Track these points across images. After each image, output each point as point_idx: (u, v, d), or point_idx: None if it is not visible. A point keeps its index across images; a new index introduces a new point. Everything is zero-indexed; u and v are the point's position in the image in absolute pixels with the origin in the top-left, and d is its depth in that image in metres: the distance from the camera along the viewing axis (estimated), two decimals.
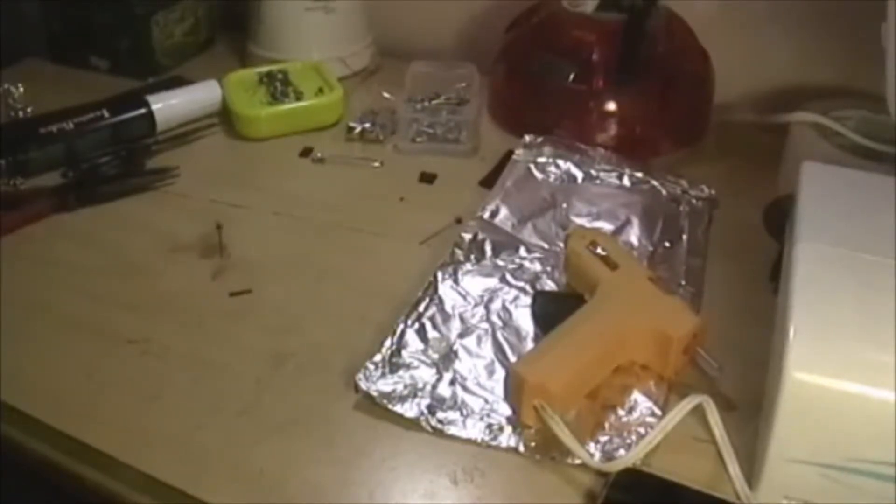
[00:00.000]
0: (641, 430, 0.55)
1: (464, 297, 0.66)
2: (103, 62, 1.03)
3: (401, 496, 0.52)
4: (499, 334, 0.63)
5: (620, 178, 0.80)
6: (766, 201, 0.71)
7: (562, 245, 0.70)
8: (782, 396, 0.47)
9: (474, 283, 0.68)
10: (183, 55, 1.06)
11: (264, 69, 0.95)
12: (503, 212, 0.75)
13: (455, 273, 0.68)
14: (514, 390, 0.56)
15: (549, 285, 0.68)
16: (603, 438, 0.55)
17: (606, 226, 0.74)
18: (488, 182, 0.81)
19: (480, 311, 0.65)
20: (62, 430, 0.56)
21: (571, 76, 0.84)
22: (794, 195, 0.60)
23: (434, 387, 0.58)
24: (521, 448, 0.55)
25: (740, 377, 0.58)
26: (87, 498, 0.55)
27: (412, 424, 0.56)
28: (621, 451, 0.54)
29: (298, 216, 0.77)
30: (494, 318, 0.64)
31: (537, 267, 0.69)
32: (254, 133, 0.89)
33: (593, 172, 0.80)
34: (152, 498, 0.53)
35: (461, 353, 0.61)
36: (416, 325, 0.63)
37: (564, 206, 0.77)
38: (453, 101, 0.90)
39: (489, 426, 0.56)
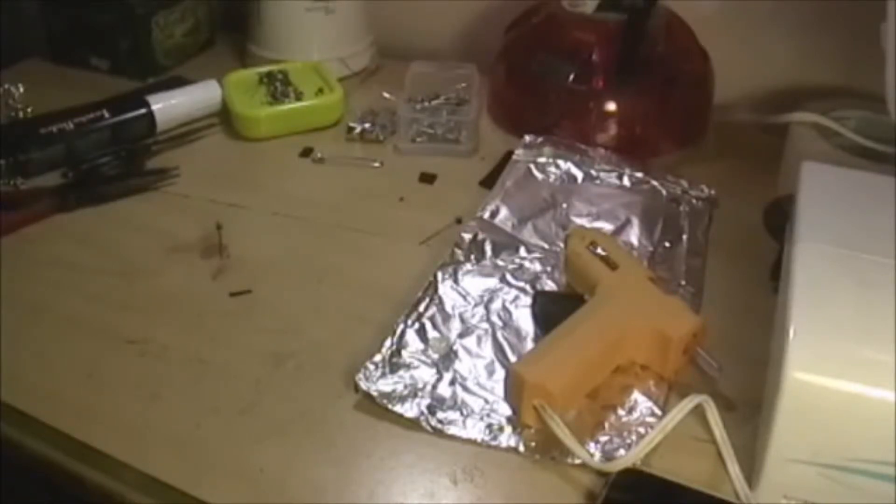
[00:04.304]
0: (641, 430, 0.55)
1: (464, 297, 0.66)
2: (103, 62, 1.03)
3: (401, 496, 0.52)
4: (499, 334, 0.63)
5: (620, 178, 0.80)
6: (766, 201, 0.71)
7: (562, 245, 0.70)
8: (782, 396, 0.47)
9: (474, 283, 0.68)
10: (183, 55, 1.06)
11: (264, 69, 0.95)
12: (503, 212, 0.75)
13: (455, 273, 0.68)
14: (514, 390, 0.56)
15: (549, 285, 0.68)
16: (603, 438, 0.55)
17: (606, 226, 0.74)
18: (488, 182, 0.81)
19: (480, 311, 0.65)
20: (62, 430, 0.56)
21: (571, 76, 0.84)
22: (794, 195, 0.60)
23: (434, 387, 0.58)
24: (521, 448, 0.55)
25: (740, 377, 0.58)
26: (87, 498, 0.55)
27: (412, 424, 0.56)
28: (621, 451, 0.54)
29: (298, 216, 0.77)
30: (494, 318, 0.64)
31: (537, 267, 0.69)
32: (254, 133, 0.89)
33: (593, 172, 0.80)
34: (152, 498, 0.53)
35: (461, 353, 0.61)
36: (416, 325, 0.63)
37: (564, 206, 0.77)
38: (453, 101, 0.90)
39: (489, 426, 0.56)
